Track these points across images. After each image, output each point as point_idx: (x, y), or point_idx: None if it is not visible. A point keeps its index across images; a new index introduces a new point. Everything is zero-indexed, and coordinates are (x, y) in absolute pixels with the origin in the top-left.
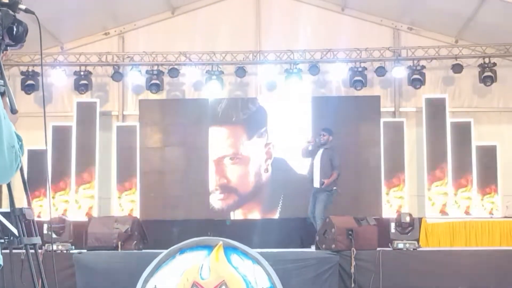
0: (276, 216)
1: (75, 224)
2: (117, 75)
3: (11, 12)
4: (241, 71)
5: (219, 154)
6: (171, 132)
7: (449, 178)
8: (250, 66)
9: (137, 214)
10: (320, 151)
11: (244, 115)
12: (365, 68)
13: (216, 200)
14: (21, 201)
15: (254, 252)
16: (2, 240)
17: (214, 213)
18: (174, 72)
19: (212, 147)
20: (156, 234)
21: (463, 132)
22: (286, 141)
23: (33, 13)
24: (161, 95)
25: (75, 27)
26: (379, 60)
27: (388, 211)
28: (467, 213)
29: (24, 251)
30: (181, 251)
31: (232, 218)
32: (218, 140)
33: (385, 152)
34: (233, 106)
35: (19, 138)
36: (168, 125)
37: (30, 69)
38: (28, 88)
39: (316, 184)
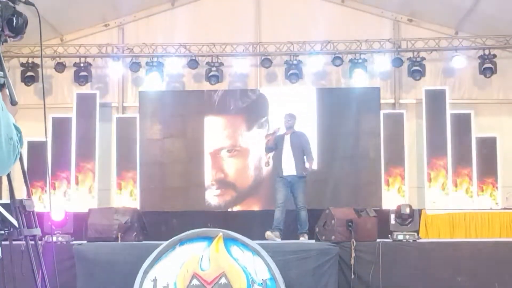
0: None
1: (75, 216)
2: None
3: (11, 3)
4: (241, 63)
5: (215, 146)
6: (171, 123)
7: (449, 169)
8: (250, 57)
9: (137, 205)
10: (287, 137)
11: (243, 104)
12: (365, 60)
13: (212, 196)
14: (21, 193)
15: (254, 243)
16: (2, 232)
17: (210, 210)
18: (173, 64)
19: (208, 139)
20: (156, 225)
21: (463, 123)
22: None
23: (33, 4)
24: (161, 87)
25: (75, 19)
26: (379, 52)
27: (388, 203)
28: (467, 204)
29: (24, 242)
30: (181, 242)
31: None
32: (214, 131)
33: (385, 143)
34: (231, 94)
35: (18, 130)
36: (168, 117)
37: (30, 60)
38: (28, 80)
39: (291, 171)
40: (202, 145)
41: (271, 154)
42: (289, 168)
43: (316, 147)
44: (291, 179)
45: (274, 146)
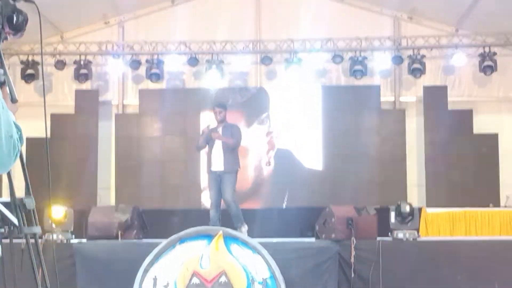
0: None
1: (75, 214)
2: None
3: (11, 1)
4: (241, 60)
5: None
6: (171, 121)
7: (449, 167)
8: (250, 55)
9: (137, 203)
10: (219, 130)
11: (243, 98)
12: (365, 57)
13: (209, 199)
14: (21, 190)
15: (254, 241)
16: (2, 230)
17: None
18: (174, 61)
19: None
20: (156, 223)
21: (463, 121)
22: (292, 129)
23: (33, 2)
24: (161, 85)
25: (75, 16)
26: (379, 50)
27: (388, 201)
28: (467, 202)
29: (24, 240)
30: (181, 240)
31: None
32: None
33: (385, 141)
34: (229, 89)
35: (18, 128)
36: (168, 115)
37: (30, 58)
38: (28, 77)
39: (220, 166)
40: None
41: (272, 153)
42: (218, 162)
43: (321, 146)
44: (220, 174)
45: (205, 143)
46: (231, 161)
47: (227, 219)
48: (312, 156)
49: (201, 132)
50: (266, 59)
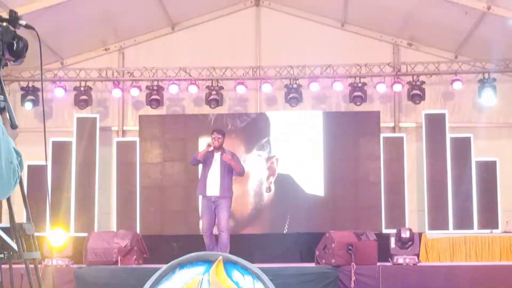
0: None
1: (75, 239)
2: (117, 91)
3: (11, 27)
4: (241, 87)
5: None
6: (171, 147)
7: (449, 193)
8: (250, 81)
9: (137, 229)
10: (217, 155)
11: (242, 123)
12: (365, 84)
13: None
14: (21, 216)
15: (254, 267)
16: (2, 255)
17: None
18: (174, 87)
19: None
20: (156, 249)
21: (462, 147)
22: (292, 154)
23: (33, 28)
24: (161, 111)
25: (75, 43)
26: (378, 76)
27: (388, 226)
28: (467, 228)
29: (24, 266)
30: (181, 266)
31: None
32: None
33: (385, 167)
34: (228, 115)
35: (18, 154)
36: (168, 140)
37: (30, 84)
38: (28, 104)
39: (215, 192)
40: (197, 170)
41: (273, 179)
42: (213, 187)
43: (322, 171)
44: (215, 199)
45: (202, 160)
46: (227, 187)
47: (235, 243)
48: (313, 181)
49: (206, 146)
50: (265, 86)
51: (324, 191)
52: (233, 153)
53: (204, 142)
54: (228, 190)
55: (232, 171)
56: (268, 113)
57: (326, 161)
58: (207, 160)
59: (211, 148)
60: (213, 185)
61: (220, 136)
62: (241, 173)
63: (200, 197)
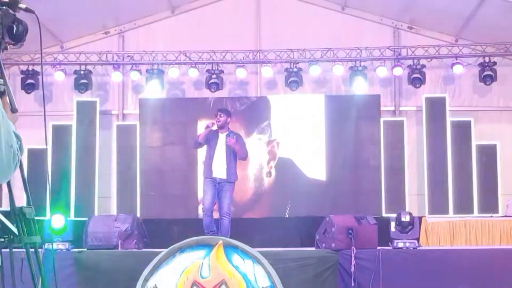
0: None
1: (75, 223)
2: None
3: (11, 11)
4: (241, 70)
5: None
6: (171, 131)
7: (450, 177)
8: (250, 65)
9: (137, 213)
10: (222, 136)
11: (242, 106)
12: (365, 67)
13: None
14: (21, 200)
15: (254, 251)
16: (2, 239)
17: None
18: (174, 71)
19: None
20: (156, 233)
21: (463, 131)
22: (293, 138)
23: (33, 12)
24: (161, 94)
25: (75, 26)
26: (379, 59)
27: (388, 210)
28: (467, 212)
29: (24, 250)
30: (181, 250)
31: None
32: None
33: (385, 151)
34: (228, 98)
35: (18, 138)
36: (168, 124)
37: (30, 68)
38: (28, 87)
39: (221, 174)
40: (197, 154)
41: (273, 164)
42: (220, 170)
43: (325, 156)
44: (220, 182)
45: (204, 142)
46: (233, 171)
47: (235, 227)
48: (315, 166)
49: (205, 126)
50: (266, 69)
51: (326, 175)
52: (238, 136)
53: (202, 125)
54: (234, 175)
55: (236, 154)
56: (269, 96)
57: (328, 145)
58: (211, 141)
59: (215, 127)
60: (219, 167)
61: (222, 114)
62: (244, 157)
63: (204, 177)
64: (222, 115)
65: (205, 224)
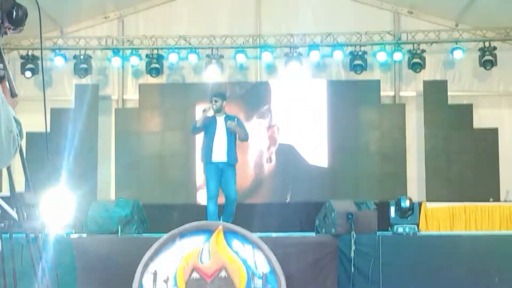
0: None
1: (75, 208)
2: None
3: None
4: (241, 55)
5: None
6: (171, 116)
7: (450, 162)
8: (250, 50)
9: (136, 197)
10: (220, 119)
11: (241, 90)
12: (365, 52)
13: (204, 195)
14: (21, 185)
15: (254, 236)
16: (3, 224)
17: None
18: (173, 56)
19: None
20: (156, 218)
21: (463, 115)
22: (294, 123)
23: None
24: (161, 79)
25: (74, 11)
26: (379, 44)
27: (388, 195)
28: (467, 197)
29: (24, 235)
30: (181, 235)
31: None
32: None
33: (385, 136)
34: (227, 83)
35: (18, 123)
36: (168, 109)
37: (30, 53)
38: (27, 72)
39: (222, 158)
40: (196, 139)
41: (273, 149)
42: (220, 153)
43: (326, 142)
44: (222, 166)
45: (203, 128)
46: (234, 154)
47: (235, 213)
48: (316, 152)
49: (202, 109)
50: (266, 54)
51: (328, 161)
52: (237, 118)
53: (200, 109)
54: (234, 157)
55: (236, 136)
56: (270, 80)
57: (330, 131)
58: (209, 126)
59: (211, 113)
60: (219, 151)
61: (218, 98)
62: (246, 139)
63: (203, 163)
64: (217, 100)
65: (210, 211)
